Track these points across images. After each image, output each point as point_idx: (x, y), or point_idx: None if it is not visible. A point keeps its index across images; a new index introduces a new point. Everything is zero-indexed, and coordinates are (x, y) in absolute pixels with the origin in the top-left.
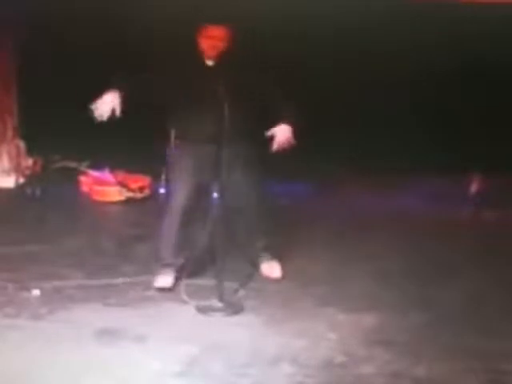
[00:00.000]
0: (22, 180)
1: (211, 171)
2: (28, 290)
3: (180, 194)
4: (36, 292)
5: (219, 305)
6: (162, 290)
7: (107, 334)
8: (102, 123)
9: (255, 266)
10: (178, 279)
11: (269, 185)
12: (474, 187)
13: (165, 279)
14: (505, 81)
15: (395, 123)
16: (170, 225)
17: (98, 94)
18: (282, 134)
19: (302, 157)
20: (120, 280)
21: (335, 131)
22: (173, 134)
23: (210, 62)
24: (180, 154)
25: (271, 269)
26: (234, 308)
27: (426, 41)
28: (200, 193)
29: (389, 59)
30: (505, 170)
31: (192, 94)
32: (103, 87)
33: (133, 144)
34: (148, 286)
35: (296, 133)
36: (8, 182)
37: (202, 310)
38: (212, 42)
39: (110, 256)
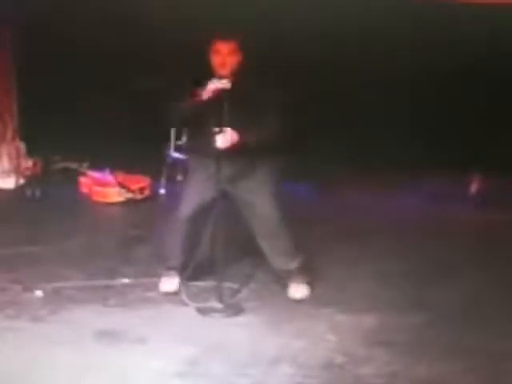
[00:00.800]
0: (22, 181)
1: (220, 185)
2: (28, 291)
3: (188, 205)
4: (39, 293)
5: (219, 306)
6: (166, 293)
7: (107, 335)
8: (102, 123)
9: (284, 285)
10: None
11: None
12: (474, 187)
13: (170, 283)
14: (505, 81)
15: (395, 123)
16: (175, 231)
17: (98, 93)
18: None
19: (301, 157)
20: (120, 281)
21: (335, 131)
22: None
23: (225, 83)
24: (193, 167)
25: (298, 290)
26: (234, 309)
27: (426, 41)
28: (208, 205)
29: (389, 59)
30: (505, 170)
31: (204, 110)
32: (103, 87)
33: (133, 145)
34: (148, 287)
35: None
36: (8, 182)
37: (202, 311)
38: (221, 57)
39: (110, 257)
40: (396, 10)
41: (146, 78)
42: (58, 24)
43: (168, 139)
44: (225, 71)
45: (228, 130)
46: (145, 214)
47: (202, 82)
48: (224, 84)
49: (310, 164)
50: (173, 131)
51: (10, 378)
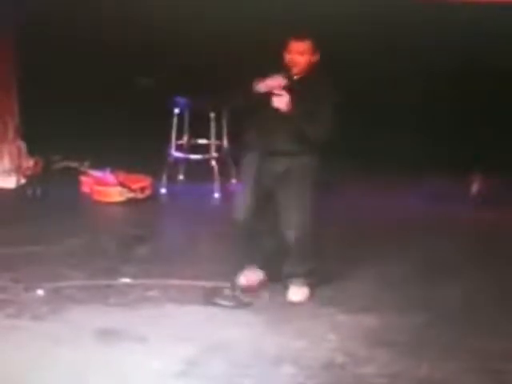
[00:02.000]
0: (22, 180)
1: (272, 183)
2: (29, 290)
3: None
4: (40, 292)
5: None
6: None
7: (108, 335)
8: (103, 123)
9: (284, 286)
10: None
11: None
12: (474, 187)
13: (250, 278)
14: (505, 81)
15: (395, 123)
16: (238, 233)
17: (98, 94)
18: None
19: None
20: (121, 280)
21: (335, 131)
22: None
23: (294, 77)
24: (247, 164)
25: (295, 294)
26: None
27: (426, 41)
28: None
29: (389, 59)
30: (505, 170)
31: (266, 106)
32: (103, 87)
33: (134, 144)
34: (149, 286)
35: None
36: (9, 182)
37: (209, 296)
38: (291, 56)
39: (111, 256)
40: (396, 10)
41: (146, 78)
42: (58, 24)
43: (169, 138)
44: (295, 68)
45: (285, 93)
46: (146, 213)
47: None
48: (280, 81)
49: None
50: (174, 130)
51: (10, 378)
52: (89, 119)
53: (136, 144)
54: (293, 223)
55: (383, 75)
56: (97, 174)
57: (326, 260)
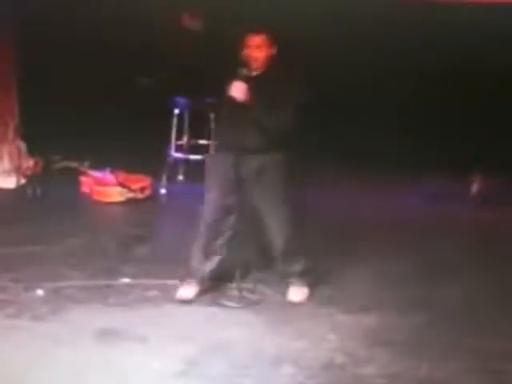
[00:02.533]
0: (22, 180)
1: (237, 184)
2: (29, 290)
3: (208, 207)
4: (39, 292)
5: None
6: (183, 302)
7: (108, 335)
8: (102, 123)
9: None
10: (200, 292)
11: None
12: (474, 187)
13: (187, 291)
14: (505, 81)
15: (395, 123)
16: (199, 236)
17: (98, 94)
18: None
19: (301, 157)
20: (121, 280)
21: (335, 131)
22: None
23: (253, 73)
24: (211, 165)
25: (295, 294)
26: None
27: (426, 41)
28: (228, 205)
29: (389, 59)
30: (505, 170)
31: (228, 105)
32: (103, 87)
33: (134, 145)
34: (149, 286)
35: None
36: (9, 182)
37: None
38: (249, 51)
39: (111, 257)
40: (395, 10)
41: (146, 78)
42: (58, 24)
43: (169, 139)
44: (254, 63)
45: (241, 82)
46: (145, 213)
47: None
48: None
49: (309, 164)
50: (173, 131)
51: (10, 378)
52: (89, 119)
53: (136, 144)
54: (277, 224)
55: (383, 75)
56: (97, 174)
57: (325, 260)
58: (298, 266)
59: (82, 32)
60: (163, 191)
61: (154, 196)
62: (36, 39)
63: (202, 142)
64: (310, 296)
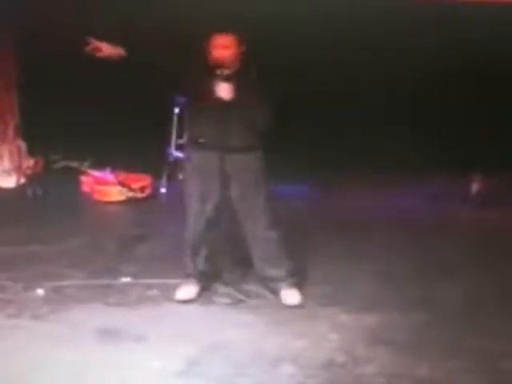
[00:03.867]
0: (23, 180)
1: (218, 182)
2: (29, 289)
3: (193, 204)
4: (40, 292)
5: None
6: (183, 302)
7: (108, 334)
8: (103, 122)
9: (273, 291)
10: (201, 290)
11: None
12: (474, 187)
13: (187, 291)
14: (505, 81)
15: (395, 123)
16: (188, 235)
17: (98, 94)
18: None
19: (301, 157)
20: (121, 280)
21: (335, 131)
22: (186, 141)
23: (223, 72)
24: (190, 163)
25: (291, 295)
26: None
27: (426, 41)
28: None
29: (389, 59)
30: (505, 170)
31: (201, 103)
32: (103, 87)
33: (134, 144)
34: (149, 286)
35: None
36: (9, 181)
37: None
38: (218, 51)
39: (111, 256)
40: (395, 10)
41: (146, 78)
42: (58, 24)
43: (169, 138)
44: (222, 62)
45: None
46: (146, 212)
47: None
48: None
49: (309, 164)
50: (174, 130)
51: (10, 377)
52: (89, 119)
53: (136, 143)
54: (263, 225)
55: (383, 75)
56: (97, 173)
57: (325, 260)
58: (281, 272)
59: (82, 32)
60: (163, 190)
61: (154, 195)
62: (36, 39)
63: (202, 141)
64: (311, 295)
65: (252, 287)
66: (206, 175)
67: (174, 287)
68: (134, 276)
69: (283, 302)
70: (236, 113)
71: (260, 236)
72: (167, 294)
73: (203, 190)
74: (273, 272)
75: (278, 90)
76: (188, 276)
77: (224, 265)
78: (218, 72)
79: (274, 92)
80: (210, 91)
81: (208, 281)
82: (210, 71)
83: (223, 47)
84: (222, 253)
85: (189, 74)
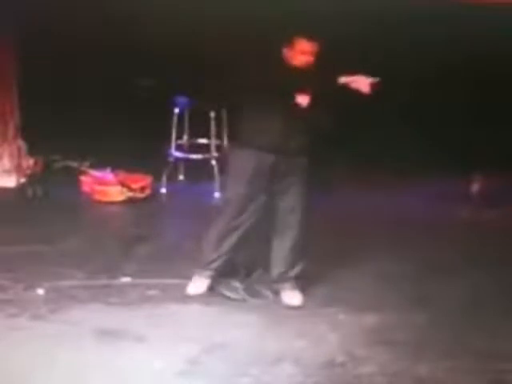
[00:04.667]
0: (23, 180)
1: (266, 183)
2: (29, 289)
3: (232, 203)
4: (40, 292)
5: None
6: (187, 299)
7: (109, 334)
8: (103, 122)
9: (274, 292)
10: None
11: None
12: (474, 187)
13: (198, 285)
14: (505, 80)
15: (395, 123)
16: (215, 226)
17: (98, 94)
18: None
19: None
20: (121, 280)
21: (335, 131)
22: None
23: (293, 71)
24: (240, 161)
25: (293, 296)
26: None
27: (426, 40)
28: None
29: (388, 59)
30: (505, 170)
31: (274, 106)
32: (103, 87)
33: (134, 144)
34: (149, 285)
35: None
36: (9, 181)
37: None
38: (303, 56)
39: (111, 256)
40: (395, 10)
41: (146, 78)
42: (58, 24)
43: (169, 138)
44: (301, 66)
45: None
46: (146, 212)
47: None
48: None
49: (309, 164)
50: (174, 130)
51: (10, 377)
52: (89, 119)
53: (136, 143)
54: (295, 225)
55: (383, 75)
56: (97, 173)
57: (325, 260)
58: (293, 271)
59: (83, 32)
60: (163, 190)
61: (155, 195)
62: (36, 39)
63: (202, 141)
64: (311, 295)
65: (255, 287)
66: (255, 175)
67: (174, 287)
68: (135, 276)
69: (285, 302)
70: (304, 118)
71: (293, 233)
72: (167, 293)
73: (250, 190)
74: (288, 271)
75: None
76: (204, 268)
77: (238, 264)
78: (300, 78)
79: None
80: (288, 97)
81: (217, 277)
82: (290, 75)
83: (308, 53)
84: (242, 252)
85: (264, 75)
